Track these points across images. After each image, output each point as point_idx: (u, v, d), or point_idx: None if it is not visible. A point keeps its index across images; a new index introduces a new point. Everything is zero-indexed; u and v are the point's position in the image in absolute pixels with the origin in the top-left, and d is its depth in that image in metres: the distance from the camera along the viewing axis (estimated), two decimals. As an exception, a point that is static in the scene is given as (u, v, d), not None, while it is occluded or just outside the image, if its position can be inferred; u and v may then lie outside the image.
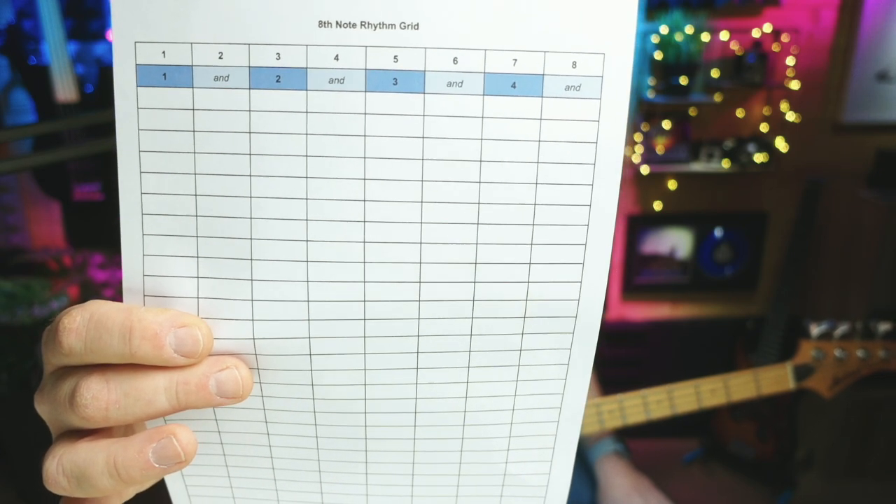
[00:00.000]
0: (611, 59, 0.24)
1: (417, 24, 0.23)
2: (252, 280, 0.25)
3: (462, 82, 0.23)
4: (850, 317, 1.01)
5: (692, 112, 2.05)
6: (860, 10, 1.94)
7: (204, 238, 0.25)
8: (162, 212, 0.25)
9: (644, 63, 2.00)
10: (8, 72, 2.03)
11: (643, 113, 2.04)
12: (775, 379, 0.96)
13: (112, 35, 0.23)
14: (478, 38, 0.23)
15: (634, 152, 2.06)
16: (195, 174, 0.24)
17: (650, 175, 2.07)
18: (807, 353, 0.97)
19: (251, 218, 0.25)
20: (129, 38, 0.23)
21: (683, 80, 1.94)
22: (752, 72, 1.96)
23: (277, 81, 0.23)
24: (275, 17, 0.23)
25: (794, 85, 1.99)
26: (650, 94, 2.00)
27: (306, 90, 0.23)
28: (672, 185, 2.12)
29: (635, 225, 2.16)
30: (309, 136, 0.24)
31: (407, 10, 0.23)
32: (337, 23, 0.23)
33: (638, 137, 2.05)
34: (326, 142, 0.24)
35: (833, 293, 2.09)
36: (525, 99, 0.24)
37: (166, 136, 0.24)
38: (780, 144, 2.04)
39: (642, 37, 1.96)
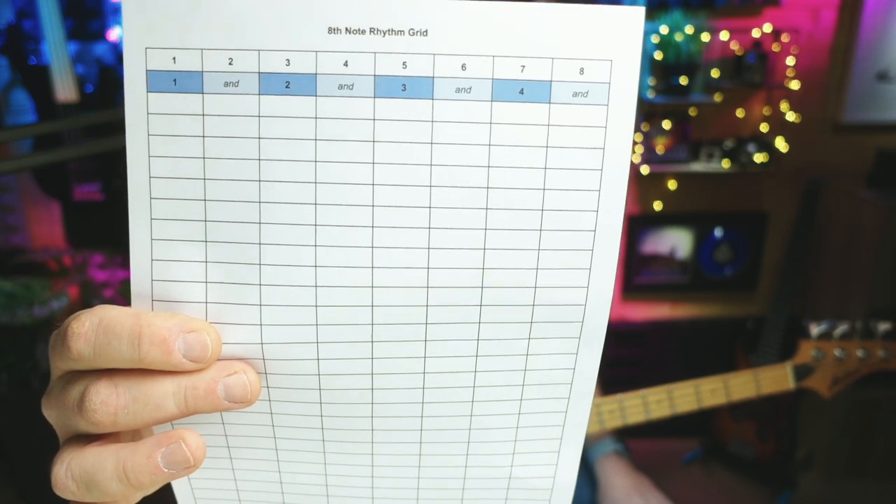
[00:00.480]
0: (618, 66, 0.24)
1: (426, 31, 0.23)
2: (261, 285, 0.25)
3: (470, 88, 0.24)
4: (849, 317, 1.01)
5: (692, 112, 2.06)
6: (860, 10, 1.94)
7: (213, 243, 0.25)
8: (171, 217, 0.25)
9: (644, 63, 2.00)
10: (8, 72, 2.03)
11: (643, 113, 2.04)
12: (775, 379, 0.96)
13: (123, 40, 0.23)
14: (486, 44, 0.23)
15: (634, 152, 2.05)
16: (204, 179, 0.24)
17: (650, 175, 2.07)
18: (807, 352, 0.97)
19: (260, 223, 0.25)
20: (139, 43, 0.23)
21: (683, 80, 1.94)
22: (752, 72, 1.96)
23: (287, 87, 0.23)
24: (284, 23, 0.23)
25: (794, 85, 1.99)
26: (650, 94, 2.00)
27: (315, 96, 0.23)
28: (672, 185, 2.12)
29: (635, 225, 2.16)
30: (318, 141, 0.24)
31: (416, 16, 0.23)
32: (346, 29, 0.23)
33: (638, 137, 2.05)
34: (335, 147, 0.24)
35: (833, 293, 2.09)
36: (533, 105, 0.24)
37: (176, 141, 0.24)
38: (780, 144, 2.04)
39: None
